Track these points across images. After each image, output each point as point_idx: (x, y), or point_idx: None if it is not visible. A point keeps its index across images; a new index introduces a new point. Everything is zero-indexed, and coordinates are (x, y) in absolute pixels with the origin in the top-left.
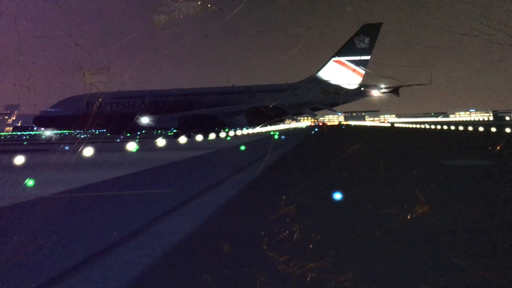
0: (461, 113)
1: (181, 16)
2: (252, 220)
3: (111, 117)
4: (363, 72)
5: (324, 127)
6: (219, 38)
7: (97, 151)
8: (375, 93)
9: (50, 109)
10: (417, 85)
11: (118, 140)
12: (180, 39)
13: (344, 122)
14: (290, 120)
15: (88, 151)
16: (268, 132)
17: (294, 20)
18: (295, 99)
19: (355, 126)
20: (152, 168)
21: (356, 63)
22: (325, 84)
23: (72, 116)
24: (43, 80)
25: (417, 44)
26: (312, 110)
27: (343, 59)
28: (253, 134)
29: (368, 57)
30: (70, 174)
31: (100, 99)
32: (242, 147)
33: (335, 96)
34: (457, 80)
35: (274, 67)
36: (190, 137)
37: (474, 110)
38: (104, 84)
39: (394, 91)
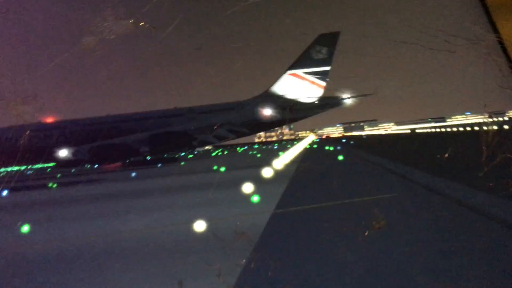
0: (457, 116)
1: (113, 36)
2: None
3: (25, 151)
4: (323, 84)
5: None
6: (156, 58)
7: None
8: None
9: None
10: (361, 96)
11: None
12: (114, 60)
13: (347, 134)
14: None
15: None
16: None
17: (233, 35)
18: (202, 121)
19: (374, 136)
20: None
21: (315, 75)
22: (280, 99)
23: None
24: None
25: (362, 55)
26: (234, 133)
27: (299, 71)
28: None
29: (328, 68)
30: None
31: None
32: None
33: (291, 112)
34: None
35: (222, 84)
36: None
37: (470, 113)
38: (32, 114)
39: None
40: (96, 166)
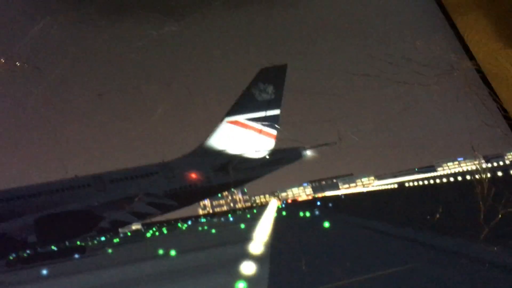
0: (449, 164)
1: None
2: None
3: None
4: (274, 132)
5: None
6: (44, 109)
7: None
8: None
9: None
10: (324, 145)
11: None
12: None
13: (320, 195)
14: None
15: None
16: None
17: (147, 75)
18: (112, 193)
19: (353, 194)
20: None
21: (262, 121)
22: (220, 156)
23: None
24: None
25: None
26: (158, 207)
27: (241, 118)
28: None
29: (277, 111)
30: None
31: None
32: None
33: (236, 172)
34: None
35: (140, 141)
36: None
37: (462, 159)
38: None
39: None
40: None
